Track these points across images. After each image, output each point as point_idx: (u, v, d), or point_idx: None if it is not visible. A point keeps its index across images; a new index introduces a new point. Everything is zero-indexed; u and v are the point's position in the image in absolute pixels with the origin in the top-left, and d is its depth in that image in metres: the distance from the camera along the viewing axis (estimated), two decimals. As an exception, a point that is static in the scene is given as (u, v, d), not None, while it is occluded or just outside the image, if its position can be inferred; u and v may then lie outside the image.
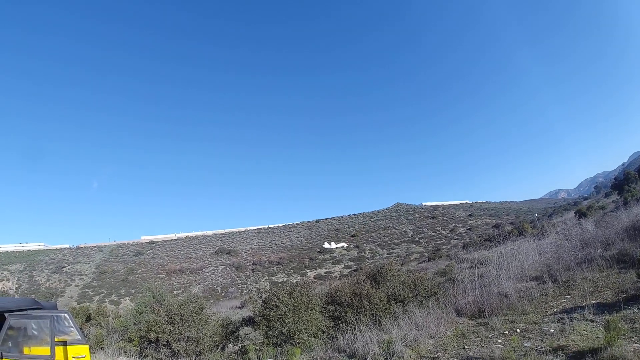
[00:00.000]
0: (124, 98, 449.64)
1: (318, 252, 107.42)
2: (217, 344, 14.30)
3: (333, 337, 13.12)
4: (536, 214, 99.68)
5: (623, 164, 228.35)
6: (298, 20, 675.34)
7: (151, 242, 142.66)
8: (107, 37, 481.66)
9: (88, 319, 22.23)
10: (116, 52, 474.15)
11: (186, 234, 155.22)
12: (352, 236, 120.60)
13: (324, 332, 13.66)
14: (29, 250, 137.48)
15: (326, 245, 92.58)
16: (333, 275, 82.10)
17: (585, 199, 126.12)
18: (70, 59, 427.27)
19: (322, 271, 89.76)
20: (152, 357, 13.58)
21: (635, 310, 8.67)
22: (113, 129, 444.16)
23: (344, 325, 13.47)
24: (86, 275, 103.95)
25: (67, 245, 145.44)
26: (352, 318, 13.52)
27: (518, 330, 9.40)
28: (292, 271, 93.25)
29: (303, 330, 13.03)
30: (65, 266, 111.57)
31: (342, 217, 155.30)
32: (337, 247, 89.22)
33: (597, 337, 7.71)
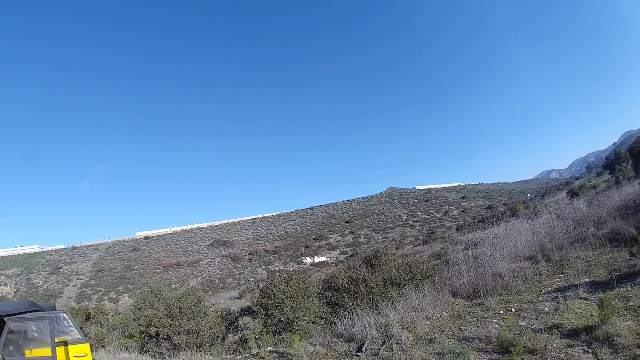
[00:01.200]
0: (111, 95, 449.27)
1: (313, 239, 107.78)
2: (217, 335, 14.35)
3: (331, 323, 13.19)
4: (529, 195, 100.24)
5: (614, 144, 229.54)
6: (288, 12, 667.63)
7: (146, 238, 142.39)
8: (93, 35, 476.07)
9: (88, 318, 22.28)
10: (102, 49, 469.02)
11: (181, 228, 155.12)
12: (347, 222, 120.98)
13: (322, 318, 13.74)
14: (25, 253, 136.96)
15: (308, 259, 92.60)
16: (329, 261, 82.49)
17: (577, 178, 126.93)
18: (53, 58, 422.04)
19: (317, 258, 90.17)
20: (153, 352, 13.64)
21: (629, 288, 8.78)
22: (101, 127, 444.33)
23: (341, 310, 13.55)
24: (83, 274, 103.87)
25: (62, 246, 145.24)
26: (349, 303, 13.60)
27: (513, 310, 9.51)
28: (288, 259, 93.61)
29: (301, 317, 13.10)
30: (62, 267, 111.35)
31: (336, 203, 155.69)
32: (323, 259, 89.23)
33: (591, 315, 7.83)
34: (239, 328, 15.97)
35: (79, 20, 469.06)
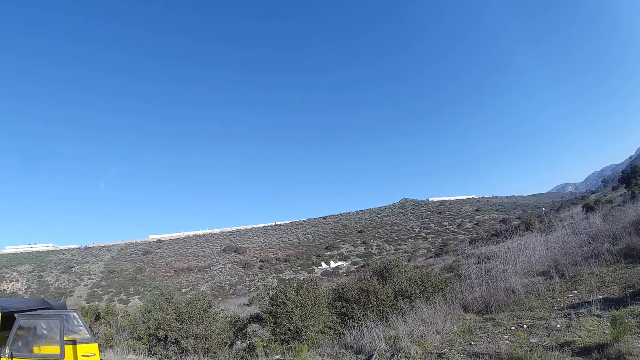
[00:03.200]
0: (130, 98, 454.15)
1: (325, 248, 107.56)
2: (225, 341, 14.39)
3: (340, 334, 13.16)
4: (543, 208, 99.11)
5: (630, 157, 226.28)
6: (299, 18, 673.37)
7: (159, 241, 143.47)
8: (112, 37, 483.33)
9: (97, 318, 22.45)
10: (121, 53, 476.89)
11: (194, 233, 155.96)
12: (359, 232, 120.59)
13: (331, 329, 13.71)
14: (38, 251, 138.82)
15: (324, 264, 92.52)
16: (340, 271, 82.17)
17: (593, 192, 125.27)
18: (74, 59, 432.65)
19: (329, 267, 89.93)
20: (160, 355, 13.72)
21: (643, 305, 8.62)
22: (118, 128, 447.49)
23: (350, 321, 13.51)
24: (95, 274, 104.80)
25: (75, 246, 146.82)
26: (359, 314, 13.56)
27: (525, 326, 9.39)
28: (299, 268, 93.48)
29: (310, 326, 13.09)
30: (74, 266, 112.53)
31: (348, 213, 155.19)
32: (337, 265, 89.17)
33: (604, 332, 7.70)
34: (247, 335, 16.00)
35: (110, 23, 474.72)
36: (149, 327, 15.05)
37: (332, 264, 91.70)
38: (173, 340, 13.61)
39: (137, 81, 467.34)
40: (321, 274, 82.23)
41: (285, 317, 13.22)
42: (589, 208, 42.56)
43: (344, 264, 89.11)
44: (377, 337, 10.56)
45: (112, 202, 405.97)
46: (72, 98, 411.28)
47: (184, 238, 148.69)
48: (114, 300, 78.03)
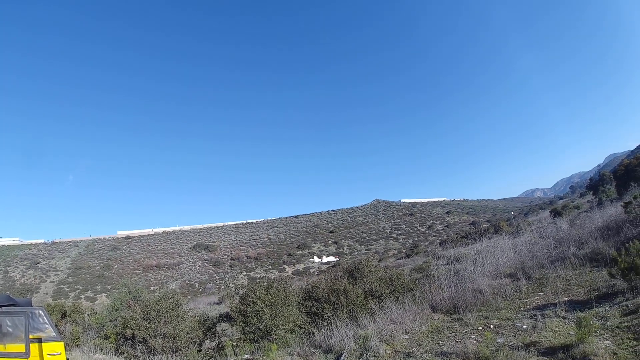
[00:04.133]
0: (102, 91, 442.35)
1: (297, 247, 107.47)
2: (194, 340, 14.12)
3: (310, 333, 13.07)
4: (512, 212, 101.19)
5: (599, 165, 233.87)
6: (280, 14, 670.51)
7: (127, 237, 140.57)
8: (92, 29, 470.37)
9: (64, 315, 21.78)
10: (96, 45, 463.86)
11: (163, 229, 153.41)
12: (331, 232, 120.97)
13: (300, 328, 13.61)
14: (4, 245, 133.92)
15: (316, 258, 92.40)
16: (311, 270, 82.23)
17: (561, 198, 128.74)
18: (47, 51, 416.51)
19: (300, 267, 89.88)
20: (128, 354, 13.37)
21: (607, 308, 8.84)
22: (88, 122, 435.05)
23: (320, 321, 13.45)
24: (61, 271, 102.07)
25: (42, 240, 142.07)
26: (329, 314, 13.50)
27: (491, 326, 9.49)
28: (270, 267, 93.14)
29: (280, 326, 12.96)
30: (40, 262, 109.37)
31: (320, 213, 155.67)
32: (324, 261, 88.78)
33: (569, 333, 7.83)
34: (216, 334, 15.74)
35: (80, 15, 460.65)
36: (116, 326, 14.69)
37: (324, 259, 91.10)
38: (141, 340, 13.28)
39: (111, 74, 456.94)
40: (292, 273, 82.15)
41: (255, 316, 13.06)
42: (556, 213, 43.63)
43: (335, 259, 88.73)
44: (347, 336, 10.52)
45: (80, 197, 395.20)
46: (42, 90, 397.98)
47: (153, 235, 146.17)
48: (81, 298, 76.21)
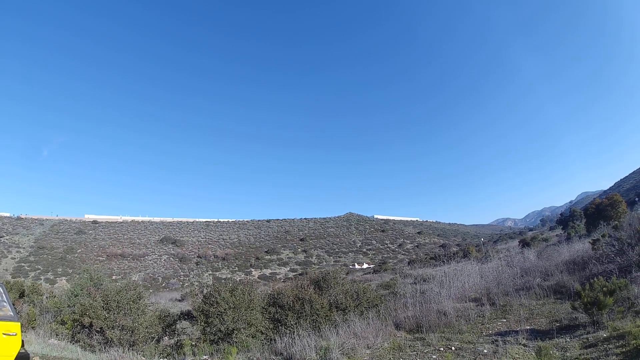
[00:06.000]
0: (87, 65, 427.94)
1: (265, 252, 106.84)
2: (152, 335, 13.83)
3: (271, 339, 12.94)
4: (482, 239, 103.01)
5: (570, 202, 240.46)
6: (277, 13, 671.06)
7: (94, 222, 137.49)
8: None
9: (22, 295, 21.12)
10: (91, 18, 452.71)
11: (132, 218, 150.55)
12: (301, 240, 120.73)
13: (262, 334, 13.46)
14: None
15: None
16: (278, 277, 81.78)
17: (531, 229, 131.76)
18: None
19: (267, 272, 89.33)
20: (84, 343, 13.02)
21: (568, 339, 8.98)
22: (69, 95, 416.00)
23: (283, 328, 13.32)
24: (24, 248, 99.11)
25: (7, 214, 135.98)
26: (292, 322, 13.39)
27: (453, 348, 9.52)
28: (236, 268, 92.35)
29: (242, 329, 12.78)
30: (4, 236, 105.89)
31: (293, 219, 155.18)
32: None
33: (528, 361, 7.89)
34: (176, 332, 15.47)
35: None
36: (74, 312, 14.25)
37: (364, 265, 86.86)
38: (98, 329, 12.94)
39: (99, 49, 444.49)
40: (258, 277, 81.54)
41: (217, 317, 12.85)
42: (525, 243, 44.51)
43: (371, 266, 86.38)
44: (309, 346, 10.43)
45: (52, 173, 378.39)
46: (24, 52, 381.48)
47: (121, 222, 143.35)
48: (41, 279, 74.13)
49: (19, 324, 7.73)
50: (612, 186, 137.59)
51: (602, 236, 20.05)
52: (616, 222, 28.06)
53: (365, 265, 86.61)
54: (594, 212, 45.50)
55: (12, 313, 7.69)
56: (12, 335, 7.46)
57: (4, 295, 7.79)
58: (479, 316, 12.47)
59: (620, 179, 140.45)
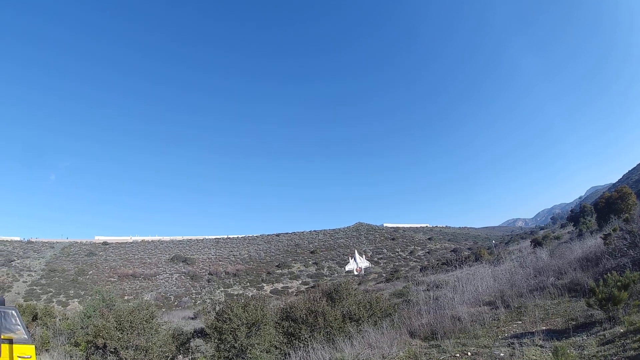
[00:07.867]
0: (96, 89, 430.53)
1: (276, 266, 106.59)
2: (166, 354, 13.84)
3: (286, 354, 12.91)
4: (493, 241, 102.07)
5: (580, 197, 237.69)
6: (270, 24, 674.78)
7: (105, 243, 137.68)
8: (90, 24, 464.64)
9: (34, 318, 21.22)
10: (96, 41, 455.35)
11: (142, 238, 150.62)
12: (312, 252, 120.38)
13: (277, 348, 13.42)
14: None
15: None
16: (290, 290, 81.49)
17: (542, 228, 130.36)
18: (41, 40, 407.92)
19: (279, 286, 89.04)
20: (98, 364, 13.03)
21: (584, 338, 8.87)
22: (76, 119, 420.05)
23: (297, 342, 13.27)
24: (35, 271, 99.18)
25: (18, 238, 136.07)
26: (306, 335, 13.34)
27: (469, 354, 9.42)
28: (248, 284, 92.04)
29: (256, 345, 12.75)
30: (15, 260, 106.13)
31: (302, 232, 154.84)
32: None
33: (546, 362, 7.79)
34: (190, 350, 15.48)
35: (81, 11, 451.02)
36: (87, 334, 14.36)
37: (364, 263, 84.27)
38: (112, 350, 12.98)
39: (104, 71, 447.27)
40: (270, 292, 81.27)
41: (230, 333, 12.84)
42: (537, 243, 44.09)
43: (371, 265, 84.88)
44: (323, 358, 10.38)
45: (60, 196, 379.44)
46: (31, 79, 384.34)
47: (131, 242, 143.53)
48: (53, 301, 74.12)
49: (33, 346, 7.80)
50: (621, 178, 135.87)
51: (613, 230, 19.86)
52: (627, 215, 27.82)
53: (367, 264, 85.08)
54: (604, 206, 44.99)
55: (26, 336, 7.77)
56: (27, 358, 7.53)
57: (18, 318, 7.86)
58: (494, 319, 12.34)
59: (629, 171, 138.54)
